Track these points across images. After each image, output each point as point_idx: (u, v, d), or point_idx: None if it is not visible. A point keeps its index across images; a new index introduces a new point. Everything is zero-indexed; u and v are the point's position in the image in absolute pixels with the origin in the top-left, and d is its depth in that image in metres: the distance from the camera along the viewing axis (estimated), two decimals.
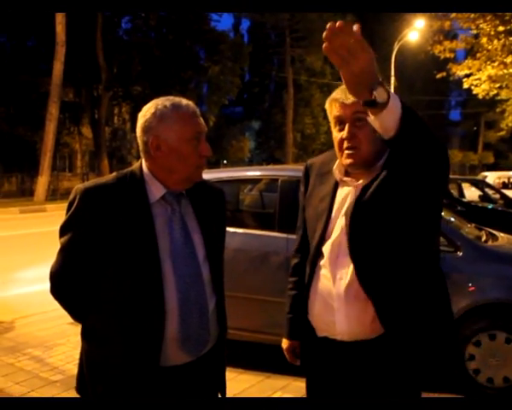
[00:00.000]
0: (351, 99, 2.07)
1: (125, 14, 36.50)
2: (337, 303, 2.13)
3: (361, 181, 2.15)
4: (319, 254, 2.24)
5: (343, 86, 2.05)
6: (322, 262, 2.23)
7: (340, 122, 2.14)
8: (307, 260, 2.34)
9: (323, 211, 2.25)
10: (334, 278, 2.15)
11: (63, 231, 2.11)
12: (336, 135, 2.18)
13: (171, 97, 2.14)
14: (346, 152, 2.13)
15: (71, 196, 2.07)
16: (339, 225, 2.18)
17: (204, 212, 2.22)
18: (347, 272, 2.12)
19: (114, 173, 2.19)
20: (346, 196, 2.20)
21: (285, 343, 2.55)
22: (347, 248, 2.12)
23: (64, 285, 2.16)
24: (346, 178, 2.21)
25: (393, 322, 2.08)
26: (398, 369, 2.12)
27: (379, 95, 1.70)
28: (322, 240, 2.23)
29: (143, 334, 2.01)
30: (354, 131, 2.10)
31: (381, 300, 2.08)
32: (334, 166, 2.26)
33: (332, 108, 2.18)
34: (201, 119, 2.13)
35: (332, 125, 2.22)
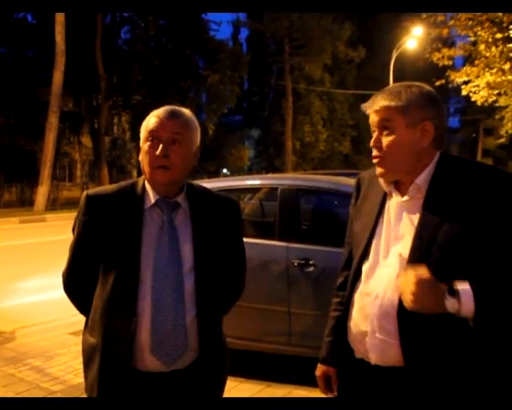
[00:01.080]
0: (374, 107, 2.01)
1: (124, 24, 36.63)
2: (370, 325, 2.01)
3: (406, 198, 2.01)
4: (360, 271, 2.12)
5: (375, 94, 2.07)
6: (361, 279, 2.10)
7: (373, 129, 2.05)
8: (349, 277, 2.20)
9: (369, 223, 2.12)
10: (371, 298, 2.03)
11: (72, 231, 2.30)
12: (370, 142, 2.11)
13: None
14: (374, 161, 2.05)
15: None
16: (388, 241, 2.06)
17: (203, 223, 2.23)
18: (387, 291, 1.98)
19: (122, 182, 2.35)
20: (395, 209, 2.06)
21: (319, 370, 2.35)
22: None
23: (69, 281, 2.34)
24: (393, 190, 2.08)
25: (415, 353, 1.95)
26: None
27: (451, 306, 1.77)
28: (366, 254, 2.11)
29: (117, 333, 2.12)
30: (380, 140, 2.01)
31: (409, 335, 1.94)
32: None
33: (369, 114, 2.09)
34: (172, 122, 2.14)
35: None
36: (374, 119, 2.02)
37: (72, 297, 2.37)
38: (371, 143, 2.04)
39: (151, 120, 2.17)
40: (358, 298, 2.09)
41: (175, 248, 2.16)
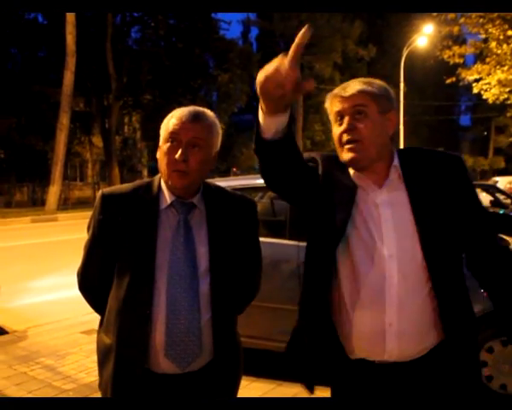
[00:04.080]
0: (349, 92, 2.01)
1: (134, 24, 36.71)
2: (390, 315, 1.97)
3: (387, 185, 2.05)
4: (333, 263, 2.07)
5: (343, 84, 2.10)
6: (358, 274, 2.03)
7: (341, 117, 2.04)
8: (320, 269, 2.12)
9: (344, 214, 2.06)
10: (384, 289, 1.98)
11: (87, 231, 2.28)
12: (336, 130, 2.06)
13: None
14: (347, 146, 2.01)
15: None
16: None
17: (219, 224, 2.20)
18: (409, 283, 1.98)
19: (137, 181, 2.33)
20: (379, 199, 2.05)
21: None
22: (421, 254, 1.97)
23: (84, 280, 2.32)
24: (367, 182, 2.07)
25: (455, 326, 2.01)
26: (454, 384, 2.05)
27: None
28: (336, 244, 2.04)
29: (132, 335, 2.10)
30: (354, 124, 2.00)
31: (446, 304, 1.99)
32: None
33: (332, 105, 2.09)
34: (194, 125, 2.09)
35: (332, 122, 2.11)
36: (344, 105, 2.02)
37: (87, 296, 2.36)
38: (344, 127, 2.01)
39: (172, 121, 2.11)
40: (364, 296, 2.00)
41: (190, 250, 2.12)
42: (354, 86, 2.03)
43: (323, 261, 2.07)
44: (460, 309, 2.04)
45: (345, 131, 2.01)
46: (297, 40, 1.61)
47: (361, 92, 2.01)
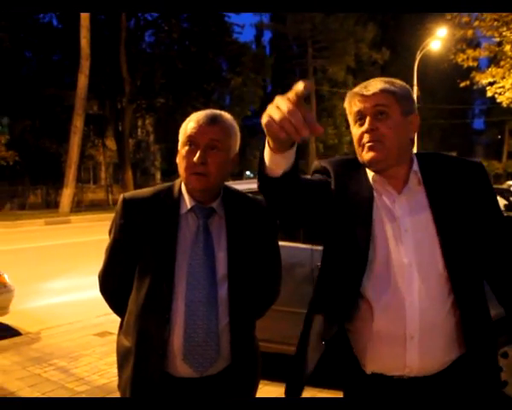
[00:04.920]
0: (371, 91, 1.94)
1: (148, 28, 36.87)
2: (411, 327, 1.89)
3: (407, 189, 1.99)
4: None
5: (363, 82, 2.02)
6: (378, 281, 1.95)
7: (361, 117, 1.96)
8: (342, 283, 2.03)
9: (364, 221, 2.00)
10: (404, 302, 1.91)
11: (109, 234, 2.30)
12: (356, 131, 1.98)
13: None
14: (368, 145, 1.93)
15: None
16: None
17: (239, 230, 2.19)
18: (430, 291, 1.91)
19: (158, 185, 2.34)
20: (398, 203, 1.99)
21: None
22: (442, 263, 1.90)
23: (105, 282, 2.35)
24: (386, 186, 2.00)
25: (477, 340, 1.95)
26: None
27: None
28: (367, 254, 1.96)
29: (150, 339, 2.10)
30: (376, 124, 1.92)
31: (470, 316, 1.93)
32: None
33: (351, 104, 2.01)
34: (212, 128, 2.09)
35: (352, 122, 2.03)
36: (366, 104, 1.94)
37: (107, 299, 2.38)
38: (365, 128, 1.94)
39: (190, 125, 2.12)
40: (384, 307, 1.92)
41: (209, 256, 2.13)
42: (376, 85, 1.95)
43: (347, 280, 1.98)
44: (481, 321, 1.98)
45: (366, 132, 1.94)
46: (297, 93, 1.47)
47: (383, 91, 1.93)
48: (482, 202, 2.01)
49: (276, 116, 1.49)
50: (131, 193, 2.30)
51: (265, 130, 1.57)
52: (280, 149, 1.66)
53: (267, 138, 1.66)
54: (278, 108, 1.49)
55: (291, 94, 1.48)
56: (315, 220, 2.06)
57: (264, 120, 1.53)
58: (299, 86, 1.46)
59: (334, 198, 2.02)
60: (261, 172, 1.77)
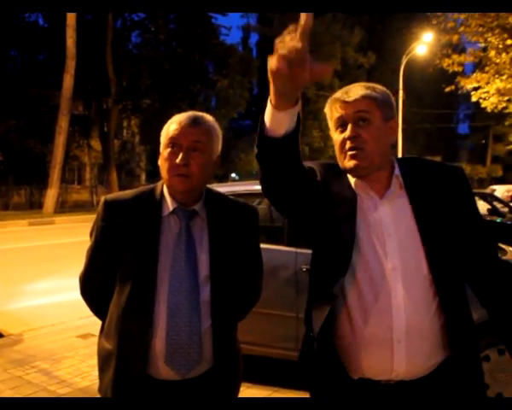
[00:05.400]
0: (352, 97, 1.93)
1: (134, 28, 36.79)
2: (398, 331, 1.89)
3: (390, 194, 1.99)
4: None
5: (345, 87, 2.02)
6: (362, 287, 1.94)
7: (342, 123, 1.96)
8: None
9: (349, 225, 1.99)
10: (392, 307, 1.90)
11: (90, 236, 2.28)
12: (338, 137, 1.98)
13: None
14: (350, 153, 1.93)
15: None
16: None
17: (221, 232, 2.20)
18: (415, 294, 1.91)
19: (140, 187, 2.33)
20: (381, 207, 1.99)
21: None
22: (426, 266, 1.91)
23: (86, 285, 2.33)
24: (369, 190, 2.01)
25: (461, 343, 1.96)
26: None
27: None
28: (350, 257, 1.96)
29: (132, 342, 2.09)
30: (358, 131, 1.92)
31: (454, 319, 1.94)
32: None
33: (332, 110, 2.00)
34: (194, 130, 2.10)
35: (333, 128, 2.02)
36: (347, 111, 1.94)
37: (88, 301, 2.36)
38: (347, 135, 1.94)
39: (172, 126, 2.13)
40: (370, 312, 1.92)
41: (191, 258, 2.13)
42: (357, 91, 1.95)
43: (333, 282, 1.96)
44: (465, 324, 2.00)
45: (348, 138, 1.94)
46: (302, 25, 1.59)
47: (365, 97, 1.94)
48: (462, 205, 2.03)
49: (285, 50, 1.57)
50: (113, 195, 2.29)
51: (272, 76, 1.63)
52: (284, 105, 1.68)
53: (270, 95, 1.70)
54: (284, 42, 1.58)
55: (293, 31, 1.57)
56: (301, 211, 2.04)
57: (273, 61, 1.62)
58: (301, 20, 1.56)
59: (319, 198, 2.02)
60: (261, 135, 1.76)
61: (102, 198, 2.25)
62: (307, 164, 2.12)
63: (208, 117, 2.19)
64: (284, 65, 1.58)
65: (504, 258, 5.06)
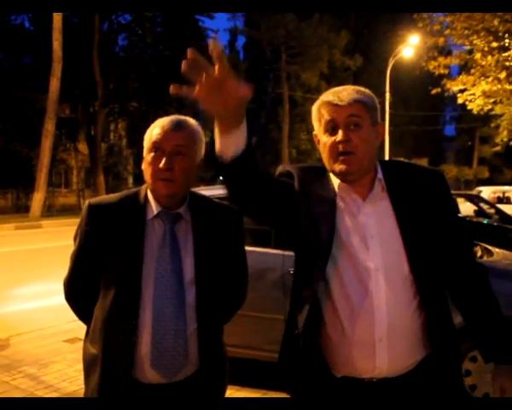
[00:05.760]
0: (345, 100, 1.94)
1: (121, 31, 36.68)
2: (379, 330, 1.92)
3: (372, 197, 2.01)
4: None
5: (334, 89, 2.03)
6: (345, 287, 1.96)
7: (333, 127, 1.96)
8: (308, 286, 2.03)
9: (328, 227, 2.00)
10: (374, 308, 1.93)
11: (74, 240, 2.28)
12: (327, 140, 1.98)
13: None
14: (341, 158, 1.94)
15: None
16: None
17: (205, 234, 2.20)
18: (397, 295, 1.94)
19: (125, 191, 2.33)
20: (364, 210, 2.01)
21: None
22: (407, 266, 1.94)
23: (70, 290, 2.31)
24: (352, 193, 2.02)
25: (441, 340, 2.01)
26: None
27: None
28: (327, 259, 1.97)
29: (118, 346, 2.09)
30: (349, 135, 1.93)
31: (434, 317, 1.98)
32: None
33: (322, 113, 2.00)
34: (177, 134, 2.10)
35: (321, 130, 2.02)
36: (339, 114, 1.95)
37: (73, 306, 2.35)
38: (339, 138, 1.94)
39: (155, 131, 2.12)
40: (353, 312, 1.95)
41: (176, 261, 2.12)
42: (349, 95, 1.96)
43: (313, 279, 1.99)
44: (445, 322, 2.04)
45: (339, 142, 1.94)
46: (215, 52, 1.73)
47: (357, 102, 1.95)
48: (441, 208, 2.06)
49: (200, 77, 1.73)
50: (97, 199, 2.29)
51: (203, 105, 1.74)
52: (225, 127, 1.74)
53: (216, 122, 1.76)
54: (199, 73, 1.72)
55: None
56: (278, 220, 2.07)
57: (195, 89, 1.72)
58: (210, 46, 1.71)
59: (297, 200, 2.03)
60: (213, 158, 1.80)
61: (86, 202, 2.25)
62: (286, 167, 2.16)
63: (191, 121, 2.19)
64: (202, 90, 1.71)
65: (491, 259, 5.10)
